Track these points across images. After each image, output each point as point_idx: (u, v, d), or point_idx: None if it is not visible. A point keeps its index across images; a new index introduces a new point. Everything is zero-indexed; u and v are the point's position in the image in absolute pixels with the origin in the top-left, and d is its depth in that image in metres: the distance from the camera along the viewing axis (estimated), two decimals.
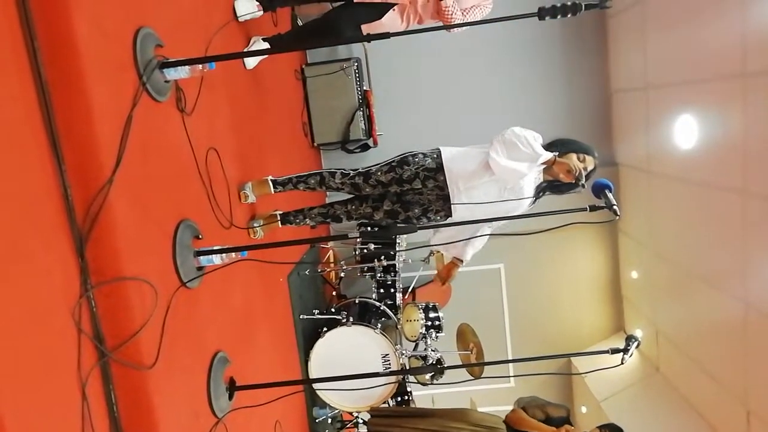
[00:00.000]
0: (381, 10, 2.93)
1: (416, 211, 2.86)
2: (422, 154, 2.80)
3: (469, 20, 2.89)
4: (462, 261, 3.06)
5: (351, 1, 2.98)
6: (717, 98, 3.19)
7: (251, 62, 3.16)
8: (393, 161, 2.82)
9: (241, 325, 2.66)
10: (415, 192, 2.83)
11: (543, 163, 2.59)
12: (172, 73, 2.02)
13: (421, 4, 2.92)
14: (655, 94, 4.05)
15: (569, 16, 2.10)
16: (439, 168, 2.72)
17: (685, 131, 3.54)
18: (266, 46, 3.13)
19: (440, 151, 2.77)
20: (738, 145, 2.95)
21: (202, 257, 2.13)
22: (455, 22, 2.85)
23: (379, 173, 2.82)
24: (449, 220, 2.85)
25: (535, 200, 2.76)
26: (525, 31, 4.66)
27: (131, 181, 1.76)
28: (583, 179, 2.54)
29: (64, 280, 1.57)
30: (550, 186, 2.73)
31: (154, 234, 1.92)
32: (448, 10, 2.84)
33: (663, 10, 3.80)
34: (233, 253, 2.18)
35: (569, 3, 2.07)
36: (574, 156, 2.61)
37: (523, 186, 2.66)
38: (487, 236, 2.97)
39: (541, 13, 2.10)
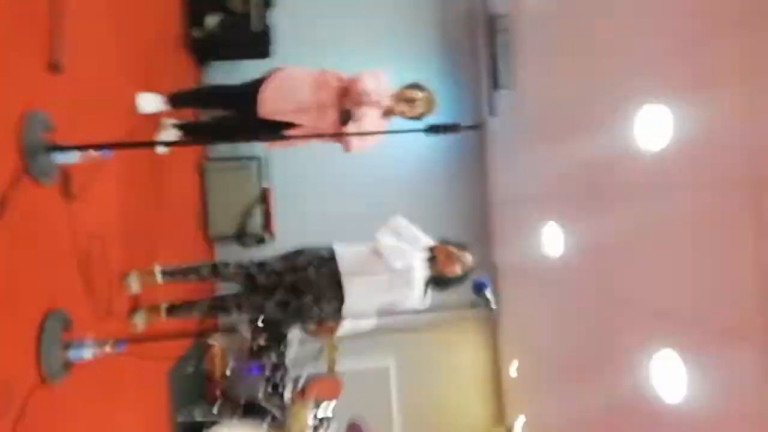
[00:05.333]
0: (282, 133, 3.08)
1: (308, 300, 2.86)
2: (317, 247, 2.93)
3: (365, 144, 3.13)
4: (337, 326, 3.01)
5: (254, 114, 3.08)
6: (573, 213, 3.64)
7: (161, 148, 3.16)
8: (288, 252, 2.92)
9: (113, 430, 2.43)
10: (308, 281, 2.87)
11: (424, 249, 2.84)
12: (60, 158, 1.99)
13: (325, 126, 3.07)
14: (526, 207, 4.51)
15: (450, 134, 2.38)
16: (332, 257, 2.85)
17: (552, 240, 3.95)
18: (176, 132, 3.17)
19: (332, 247, 2.90)
20: (594, 255, 3.34)
21: (71, 351, 1.98)
22: (353, 147, 3.10)
23: (274, 263, 2.87)
24: (343, 311, 2.88)
25: (425, 294, 2.90)
26: (417, 145, 5.05)
27: None
28: (468, 267, 2.78)
29: None
30: (435, 281, 2.90)
31: (17, 325, 1.78)
32: (351, 143, 3.06)
33: (530, 136, 4.34)
34: (107, 347, 2.05)
35: (450, 124, 2.36)
36: (452, 246, 2.85)
37: (412, 278, 2.80)
38: (372, 319, 2.99)
39: (428, 130, 2.37)
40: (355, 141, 3.08)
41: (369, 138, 3.13)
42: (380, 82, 3.06)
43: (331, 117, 3.08)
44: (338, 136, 3.07)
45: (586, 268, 3.44)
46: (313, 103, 3.06)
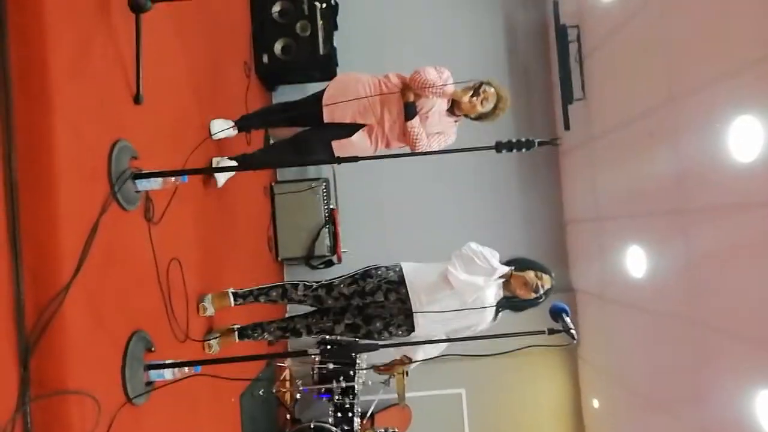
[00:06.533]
0: (350, 131, 3.10)
1: (378, 325, 2.82)
2: (385, 267, 2.87)
3: (432, 145, 3.08)
4: (410, 360, 2.92)
5: (321, 123, 3.14)
6: (659, 231, 3.41)
7: (221, 180, 3.21)
8: (356, 274, 2.86)
9: None
10: (377, 305, 2.82)
11: (500, 277, 2.69)
12: (144, 184, 2.06)
13: (389, 127, 3.08)
14: (606, 225, 4.30)
15: (523, 151, 2.28)
16: (401, 281, 2.77)
17: (635, 261, 3.72)
18: (232, 163, 3.22)
19: (401, 266, 2.83)
20: (683, 276, 3.11)
21: (152, 371, 2.03)
22: (420, 143, 3.03)
23: (342, 285, 2.83)
24: (412, 335, 2.81)
25: (496, 315, 2.78)
26: (486, 162, 4.98)
27: (88, 289, 1.72)
28: (542, 291, 2.64)
29: (0, 390, 1.46)
30: (509, 302, 2.78)
31: (105, 345, 1.84)
32: (414, 131, 3.01)
33: (607, 150, 4.16)
34: (186, 368, 2.09)
35: (524, 139, 2.26)
36: (531, 272, 2.70)
37: (484, 301, 2.69)
38: (443, 344, 2.89)
39: (498, 147, 2.27)
40: (421, 137, 3.01)
41: (434, 135, 3.07)
42: (442, 74, 2.99)
43: (396, 112, 3.02)
44: (405, 136, 3.03)
45: (675, 291, 3.20)
46: (375, 99, 3.03)
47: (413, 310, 2.73)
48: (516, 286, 2.69)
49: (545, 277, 2.70)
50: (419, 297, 2.74)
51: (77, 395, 1.62)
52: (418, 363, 2.86)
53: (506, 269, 2.71)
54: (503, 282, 2.74)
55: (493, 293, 2.73)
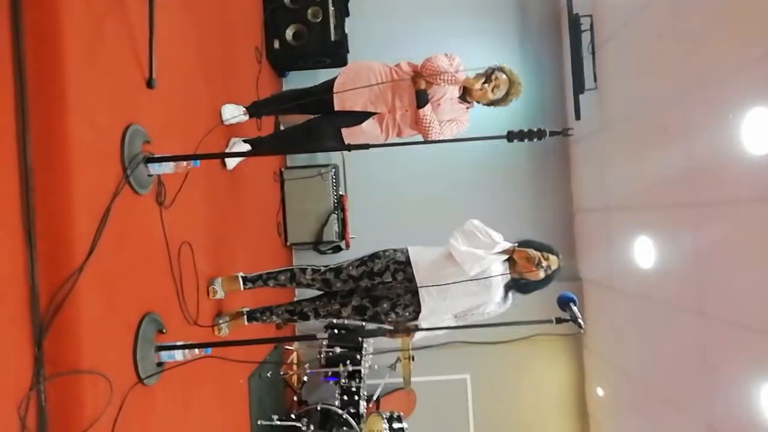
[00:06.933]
0: (361, 118, 3.11)
1: (385, 305, 2.85)
2: (392, 249, 2.91)
3: (444, 132, 3.08)
4: (416, 328, 2.95)
5: (332, 110, 3.16)
6: (669, 223, 3.39)
7: (231, 163, 3.25)
8: (364, 256, 2.90)
9: (196, 430, 2.51)
10: (385, 286, 2.85)
11: (502, 252, 2.71)
12: (156, 168, 2.08)
13: (400, 114, 3.08)
14: (615, 215, 4.28)
15: (535, 140, 2.27)
16: (408, 261, 2.82)
17: (643, 252, 3.71)
18: (246, 146, 3.25)
19: (407, 248, 2.88)
20: (692, 268, 3.10)
21: (163, 352, 2.07)
22: (432, 131, 3.03)
23: (350, 268, 2.87)
24: (420, 317, 2.82)
25: (505, 298, 2.80)
26: (496, 150, 4.97)
27: (101, 271, 1.75)
28: (546, 269, 2.66)
29: (15, 369, 1.50)
30: (516, 284, 2.80)
31: (117, 326, 1.87)
32: (426, 119, 3.01)
33: (618, 141, 4.13)
34: (196, 350, 2.13)
35: (535, 129, 2.25)
36: (532, 249, 2.71)
37: (490, 281, 2.71)
38: (447, 319, 2.91)
39: (510, 136, 2.26)
40: (434, 125, 3.01)
41: (446, 123, 3.07)
42: (453, 61, 2.98)
43: (407, 100, 3.02)
44: (417, 124, 3.03)
45: (683, 282, 3.20)
46: (386, 87, 3.02)
47: (419, 288, 2.74)
48: (519, 262, 2.70)
49: (552, 257, 2.70)
50: (423, 275, 2.77)
51: (90, 375, 1.65)
52: (423, 339, 2.89)
53: (508, 244, 2.75)
54: (509, 263, 2.76)
55: (498, 271, 2.74)
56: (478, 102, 3.09)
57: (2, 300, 1.48)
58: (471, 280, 2.66)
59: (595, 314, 4.61)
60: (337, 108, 3.09)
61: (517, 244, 2.76)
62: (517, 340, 2.27)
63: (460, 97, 3.09)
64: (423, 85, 2.98)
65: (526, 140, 2.26)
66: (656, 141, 3.45)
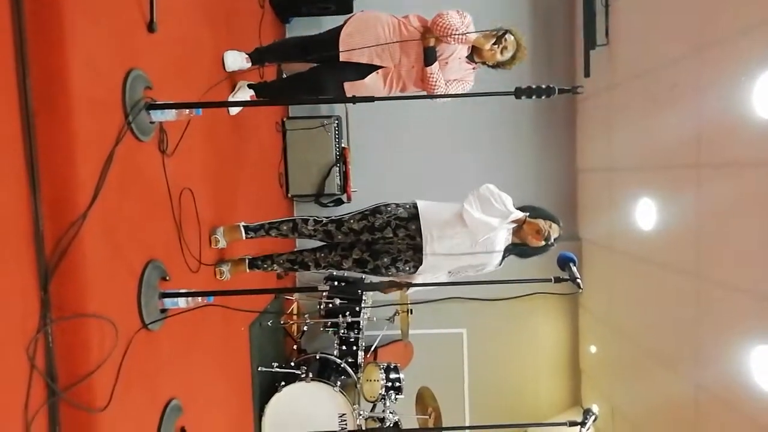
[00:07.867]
0: (364, 72, 3.05)
1: (385, 260, 2.87)
2: (395, 204, 2.89)
3: (450, 92, 3.03)
4: (410, 284, 2.99)
5: (336, 60, 3.10)
6: (673, 185, 3.38)
7: (234, 109, 3.21)
8: (366, 210, 2.89)
9: (198, 374, 2.58)
10: (386, 241, 2.87)
11: (514, 221, 2.72)
12: (158, 115, 2.05)
13: (406, 70, 3.03)
14: (618, 176, 4.27)
15: (543, 98, 2.23)
16: (412, 217, 2.80)
17: (645, 213, 3.71)
18: (251, 92, 3.20)
19: (416, 203, 2.86)
20: (692, 231, 3.12)
21: (166, 299, 2.10)
22: (438, 90, 2.98)
23: (351, 221, 2.87)
24: (419, 270, 2.86)
25: (502, 260, 2.83)
26: (501, 107, 4.90)
27: (105, 217, 1.76)
28: (552, 240, 2.67)
29: (23, 312, 1.53)
30: (516, 249, 2.82)
31: (122, 272, 1.89)
32: (433, 77, 2.97)
33: (627, 99, 4.07)
34: (199, 298, 2.16)
35: (544, 86, 2.21)
36: (542, 221, 2.72)
37: (494, 243, 2.73)
38: (443, 271, 2.94)
39: (518, 93, 2.22)
40: (440, 83, 2.97)
41: (452, 82, 3.03)
42: (464, 19, 2.91)
43: (414, 56, 2.96)
44: (422, 82, 2.98)
45: (683, 245, 3.22)
46: (394, 42, 2.95)
47: (424, 244, 2.76)
48: (529, 232, 2.71)
49: (554, 226, 2.72)
50: (431, 231, 2.77)
51: (95, 319, 1.68)
52: (418, 293, 2.91)
53: (521, 214, 2.73)
54: (514, 228, 2.77)
55: (503, 237, 2.76)
56: (485, 63, 3.04)
57: (8, 244, 1.49)
58: (476, 252, 2.67)
59: (592, 274, 4.67)
60: (342, 59, 3.03)
61: (528, 215, 2.75)
62: (515, 297, 2.29)
63: (467, 57, 3.03)
64: (432, 42, 2.92)
65: (534, 97, 2.23)
66: (666, 100, 3.40)
